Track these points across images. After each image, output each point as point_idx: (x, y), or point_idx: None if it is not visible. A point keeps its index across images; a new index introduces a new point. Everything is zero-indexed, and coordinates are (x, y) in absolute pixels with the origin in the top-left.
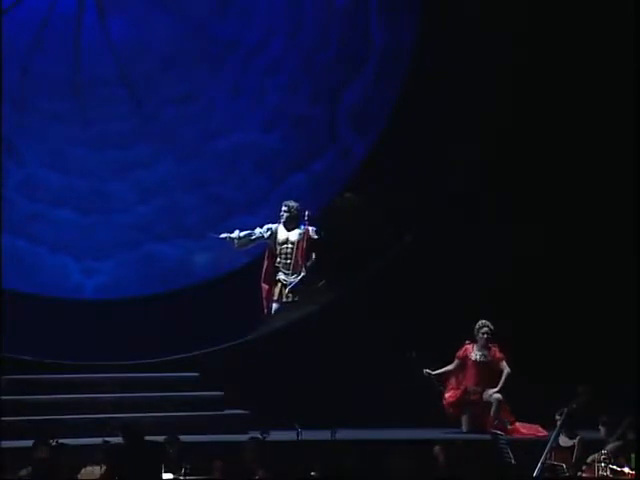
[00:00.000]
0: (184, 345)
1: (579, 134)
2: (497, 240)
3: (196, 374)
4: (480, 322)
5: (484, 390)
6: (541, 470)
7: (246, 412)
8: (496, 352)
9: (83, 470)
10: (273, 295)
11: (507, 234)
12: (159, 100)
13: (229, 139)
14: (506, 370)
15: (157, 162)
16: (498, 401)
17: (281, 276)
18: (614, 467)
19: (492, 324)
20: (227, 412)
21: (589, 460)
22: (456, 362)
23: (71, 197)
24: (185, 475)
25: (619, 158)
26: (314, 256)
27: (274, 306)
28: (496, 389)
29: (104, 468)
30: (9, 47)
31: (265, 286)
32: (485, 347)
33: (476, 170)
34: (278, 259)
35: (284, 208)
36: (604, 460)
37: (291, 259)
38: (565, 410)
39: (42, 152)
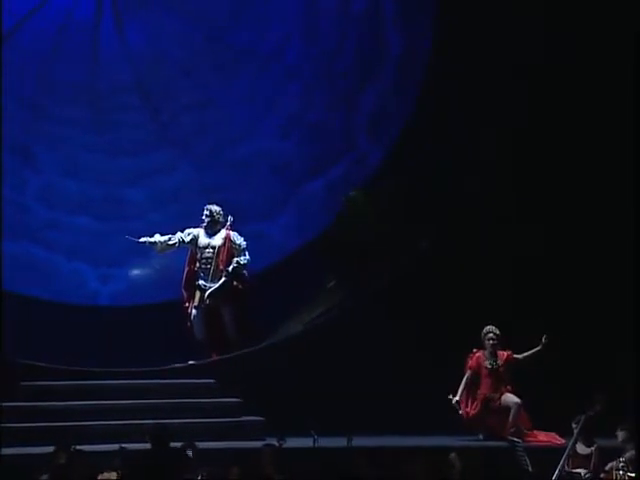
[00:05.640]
0: (200, 352)
1: (582, 135)
2: (515, 240)
3: (212, 381)
4: (486, 328)
5: (501, 396)
6: (559, 477)
7: (262, 419)
8: (504, 354)
9: (100, 476)
10: (193, 301)
11: (526, 234)
12: (175, 107)
13: (245, 146)
14: (524, 354)
15: (173, 169)
16: (517, 405)
17: (200, 281)
18: (632, 475)
19: (508, 326)
20: (243, 419)
21: (607, 467)
22: (469, 373)
23: (87, 204)
24: None
25: (619, 159)
26: (235, 261)
27: (193, 312)
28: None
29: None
30: (27, 55)
31: (185, 292)
32: (494, 353)
33: (492, 173)
34: (198, 264)
35: (206, 212)
36: (622, 468)
37: (211, 264)
38: (582, 418)
39: (59, 159)
